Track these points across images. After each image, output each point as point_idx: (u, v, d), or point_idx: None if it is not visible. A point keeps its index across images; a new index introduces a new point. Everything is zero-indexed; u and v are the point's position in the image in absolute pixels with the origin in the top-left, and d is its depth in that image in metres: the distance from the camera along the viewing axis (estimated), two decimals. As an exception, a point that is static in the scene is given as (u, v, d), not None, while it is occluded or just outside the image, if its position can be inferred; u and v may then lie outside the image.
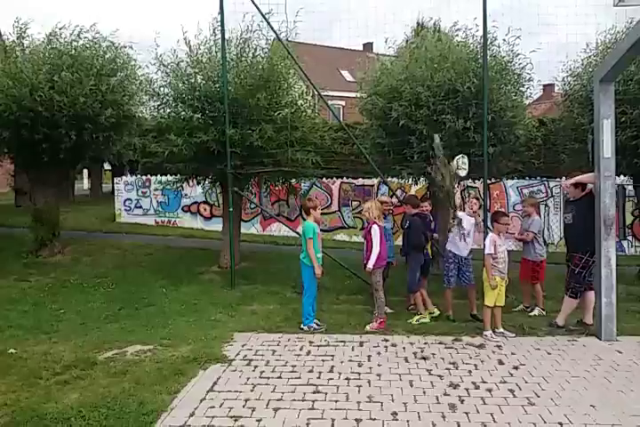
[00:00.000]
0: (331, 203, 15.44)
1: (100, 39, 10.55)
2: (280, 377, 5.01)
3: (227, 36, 9.01)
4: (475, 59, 8.70)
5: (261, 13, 8.55)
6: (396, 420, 4.12)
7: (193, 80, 9.36)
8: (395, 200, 8.57)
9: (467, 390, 4.70)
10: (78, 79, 9.60)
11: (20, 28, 10.33)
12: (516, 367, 5.27)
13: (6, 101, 9.48)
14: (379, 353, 5.69)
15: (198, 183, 11.01)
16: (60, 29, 10.34)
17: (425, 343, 6.02)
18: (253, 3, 8.42)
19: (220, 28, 8.73)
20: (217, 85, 9.00)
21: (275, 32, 8.91)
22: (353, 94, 12.49)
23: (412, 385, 4.81)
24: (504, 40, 8.89)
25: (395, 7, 8.92)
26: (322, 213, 15.45)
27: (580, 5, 7.91)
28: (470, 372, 5.13)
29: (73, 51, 10.06)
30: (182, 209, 17.29)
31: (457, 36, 9.36)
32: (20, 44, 10.34)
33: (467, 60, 8.66)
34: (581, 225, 6.57)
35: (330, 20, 10.26)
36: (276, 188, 11.57)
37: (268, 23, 8.74)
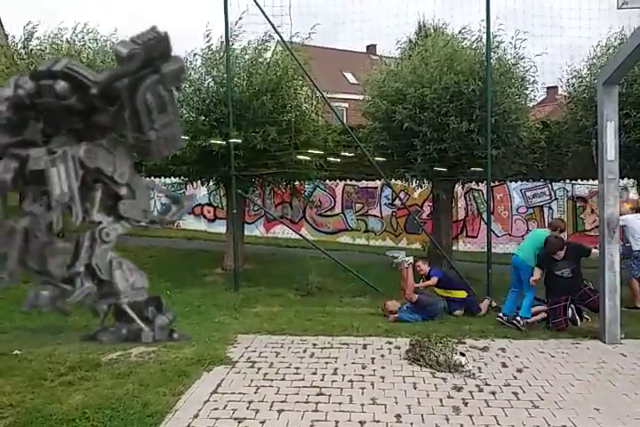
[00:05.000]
0: (334, 205, 15.46)
1: (102, 40, 10.64)
2: (284, 379, 5.01)
3: (241, 41, 9.19)
4: (481, 61, 8.72)
5: (266, 17, 8.57)
6: (400, 422, 4.11)
7: (200, 82, 9.43)
8: None
9: (470, 392, 4.69)
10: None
11: (29, 31, 10.40)
12: (519, 370, 5.26)
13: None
14: (382, 356, 5.69)
15: (202, 184, 11.05)
16: (61, 30, 10.42)
17: (428, 346, 6.01)
18: (258, 6, 8.45)
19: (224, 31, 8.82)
20: (223, 89, 9.06)
21: (279, 35, 8.94)
22: (356, 96, 12.51)
23: (415, 388, 4.80)
24: (510, 43, 8.93)
25: (398, 9, 8.95)
26: (325, 216, 15.49)
27: (584, 8, 7.92)
28: (474, 374, 5.13)
29: (74, 52, 10.11)
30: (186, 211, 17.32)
31: (465, 39, 9.38)
32: (27, 46, 10.40)
33: (474, 63, 8.67)
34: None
35: (334, 23, 10.31)
36: (280, 190, 11.59)
37: (273, 27, 8.76)
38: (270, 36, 9.44)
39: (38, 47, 10.41)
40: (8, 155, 4.08)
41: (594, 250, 6.78)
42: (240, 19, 8.92)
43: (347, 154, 10.66)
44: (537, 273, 6.90)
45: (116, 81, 3.74)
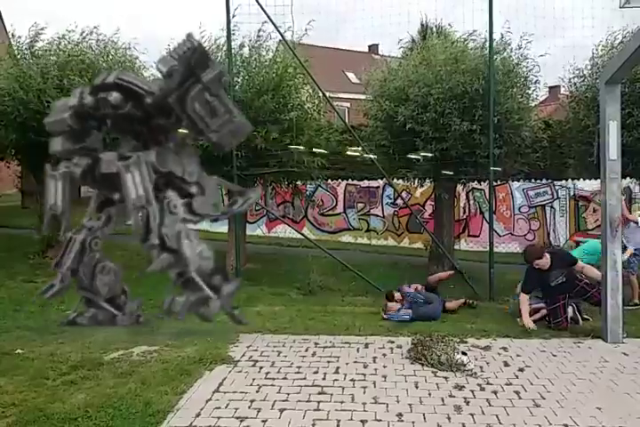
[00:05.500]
0: (336, 204, 15.46)
1: (105, 40, 10.67)
2: (285, 378, 5.01)
3: (240, 39, 9.18)
4: (485, 61, 8.71)
5: (267, 16, 8.57)
6: (402, 421, 4.11)
7: None
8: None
9: (472, 391, 4.69)
10: (87, 83, 9.67)
11: (36, 32, 10.42)
12: (521, 369, 5.26)
13: (13, 104, 9.56)
14: (384, 355, 5.69)
15: None
16: (69, 32, 10.46)
17: (430, 345, 6.01)
18: (259, 4, 8.44)
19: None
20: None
21: (281, 34, 8.94)
22: (358, 96, 12.49)
23: (417, 387, 4.80)
24: (518, 45, 8.93)
25: (401, 8, 8.97)
26: (327, 215, 15.47)
27: (587, 7, 7.92)
28: (476, 373, 5.12)
29: (80, 54, 10.14)
30: (188, 210, 17.29)
31: (471, 40, 9.37)
32: (32, 47, 10.43)
33: (479, 63, 8.66)
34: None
35: (336, 22, 10.33)
36: (282, 189, 11.60)
37: (275, 25, 8.76)
38: (269, 34, 9.45)
39: (46, 48, 10.45)
40: (80, 153, 4.29)
41: (580, 263, 6.79)
42: (233, 16, 8.89)
43: (350, 153, 10.64)
44: (524, 307, 6.65)
45: (166, 98, 3.92)
